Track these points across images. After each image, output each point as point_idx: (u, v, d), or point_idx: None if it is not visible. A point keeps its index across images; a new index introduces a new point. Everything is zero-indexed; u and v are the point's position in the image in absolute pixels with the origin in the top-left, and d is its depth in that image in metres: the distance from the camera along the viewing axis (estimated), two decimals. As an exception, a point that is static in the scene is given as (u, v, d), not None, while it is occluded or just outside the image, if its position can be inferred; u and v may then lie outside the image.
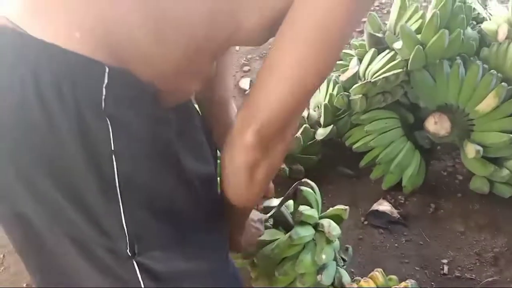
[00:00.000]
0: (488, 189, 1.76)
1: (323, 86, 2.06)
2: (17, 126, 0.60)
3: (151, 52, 0.62)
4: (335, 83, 1.99)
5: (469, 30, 1.87)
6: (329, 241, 1.19)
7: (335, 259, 1.25)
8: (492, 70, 1.66)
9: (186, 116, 0.78)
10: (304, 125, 1.88)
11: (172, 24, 0.63)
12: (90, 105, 0.58)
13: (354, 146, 1.86)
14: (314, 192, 1.29)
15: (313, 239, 1.20)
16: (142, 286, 0.69)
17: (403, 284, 1.17)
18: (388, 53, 1.90)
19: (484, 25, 1.92)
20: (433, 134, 1.77)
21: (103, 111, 0.58)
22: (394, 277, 1.23)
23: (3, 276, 1.62)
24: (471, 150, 1.70)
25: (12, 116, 0.60)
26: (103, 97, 0.58)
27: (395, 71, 1.79)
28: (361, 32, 2.70)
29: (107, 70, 0.58)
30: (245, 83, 2.39)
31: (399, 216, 1.70)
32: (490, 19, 1.92)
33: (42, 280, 0.85)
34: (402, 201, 1.80)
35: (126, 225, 0.64)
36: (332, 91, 1.95)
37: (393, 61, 1.84)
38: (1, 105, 0.60)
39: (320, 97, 2.05)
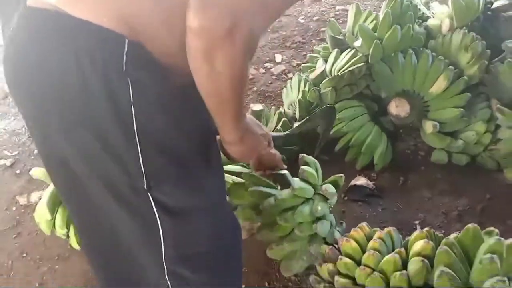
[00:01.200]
0: (447, 159, 2.01)
1: (295, 86, 2.29)
2: (59, 85, 0.77)
3: (161, 30, 0.77)
4: (306, 81, 2.22)
5: (416, 26, 2.15)
6: (325, 199, 1.38)
7: (330, 224, 1.44)
8: (440, 57, 1.93)
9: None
10: (283, 119, 2.08)
11: (178, 6, 0.74)
12: (114, 68, 0.74)
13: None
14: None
15: (312, 198, 1.39)
16: (156, 215, 0.85)
17: (386, 229, 1.36)
18: (349, 51, 2.16)
19: (429, 22, 2.21)
20: (395, 116, 2.02)
21: (124, 72, 0.74)
22: (377, 229, 1.42)
23: (15, 279, 1.69)
24: (429, 126, 1.95)
25: (55, 78, 0.76)
26: (124, 61, 0.74)
27: (358, 65, 2.04)
28: (322, 40, 3.00)
29: (126, 41, 0.74)
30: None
31: (374, 186, 1.91)
32: (433, 17, 2.22)
33: (79, 221, 1.02)
34: (375, 177, 2.02)
35: (143, 165, 0.80)
36: (304, 88, 2.18)
37: (355, 57, 2.09)
38: (48, 69, 0.76)
39: (293, 96, 2.26)
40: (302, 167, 1.39)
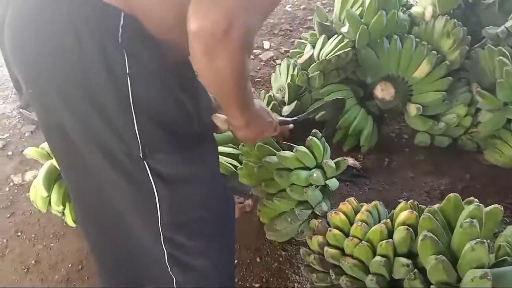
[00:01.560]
0: (429, 141, 2.09)
1: (284, 71, 2.34)
2: (57, 52, 0.79)
3: (157, 7, 0.80)
4: (294, 66, 2.28)
5: (401, 13, 2.22)
6: (324, 173, 1.45)
7: (323, 196, 1.51)
8: (423, 42, 2.00)
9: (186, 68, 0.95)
10: (273, 102, 2.14)
11: None
12: (110, 39, 0.77)
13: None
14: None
15: (311, 168, 1.45)
16: (152, 182, 0.89)
17: (373, 203, 1.43)
18: (337, 37, 2.21)
19: (413, 9, 2.28)
20: (381, 100, 2.09)
21: (120, 43, 0.77)
22: (363, 203, 1.49)
23: (10, 257, 1.72)
24: (412, 109, 2.02)
25: (54, 45, 0.79)
26: (120, 33, 0.77)
27: (345, 50, 2.10)
28: (309, 28, 3.05)
29: (122, 14, 0.77)
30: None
31: (361, 167, 1.98)
32: (416, 4, 2.29)
33: (76, 189, 1.06)
34: (361, 159, 2.09)
35: (138, 134, 0.84)
36: (293, 72, 2.23)
37: (342, 42, 2.15)
38: (47, 36, 0.79)
39: (282, 81, 2.32)
40: (310, 137, 1.46)
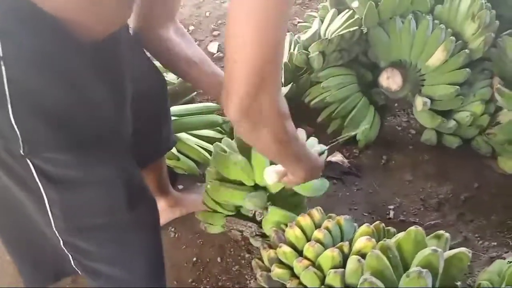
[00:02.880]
0: (436, 140, 1.83)
1: (286, 48, 2.12)
2: None
3: None
4: (296, 42, 2.04)
5: (424, -12, 1.92)
6: None
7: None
8: (441, 25, 1.71)
9: (112, 45, 0.83)
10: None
11: None
12: None
13: (312, 102, 1.93)
14: None
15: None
16: (39, 183, 0.78)
17: (337, 218, 1.24)
18: (347, 12, 1.95)
19: (441, -17, 1.97)
20: (386, 89, 1.84)
21: None
22: (333, 214, 1.30)
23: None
24: (419, 102, 1.77)
25: None
26: None
27: (351, 29, 1.84)
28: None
29: None
30: (213, 47, 2.43)
31: (349, 165, 1.77)
32: (445, -22, 1.97)
33: None
34: (357, 154, 1.87)
35: (16, 127, 0.71)
36: (293, 50, 2.00)
37: (351, 19, 1.89)
38: None
39: (284, 59, 2.10)
40: None
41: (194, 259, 1.53)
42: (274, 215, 1.33)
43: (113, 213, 0.89)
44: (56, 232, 0.88)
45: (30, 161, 0.76)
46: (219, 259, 1.53)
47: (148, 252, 1.02)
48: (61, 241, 0.91)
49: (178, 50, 1.16)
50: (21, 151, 0.74)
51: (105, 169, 0.84)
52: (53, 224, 0.86)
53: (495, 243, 1.52)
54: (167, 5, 1.14)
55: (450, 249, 1.00)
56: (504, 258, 1.39)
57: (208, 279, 1.48)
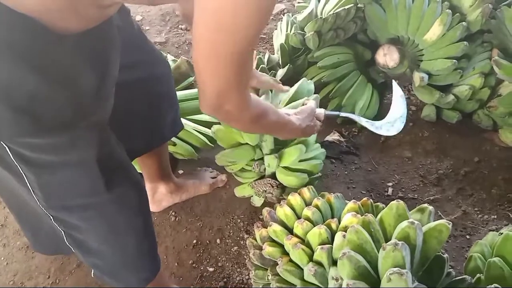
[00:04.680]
0: (435, 116, 1.81)
1: (284, 28, 2.10)
2: None
3: None
4: (293, 23, 2.03)
5: (422, -40, 1.88)
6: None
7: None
8: (438, -3, 1.68)
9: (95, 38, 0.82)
10: (261, 66, 1.94)
11: None
12: None
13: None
14: None
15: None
16: (17, 166, 0.81)
17: (327, 196, 1.25)
18: (343, -11, 1.93)
19: (439, -45, 1.92)
20: (383, 66, 1.82)
21: None
22: (325, 193, 1.31)
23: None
24: (417, 78, 1.74)
25: None
26: None
27: (346, 7, 1.82)
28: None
29: None
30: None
31: (346, 144, 1.77)
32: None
33: None
34: (356, 133, 1.86)
35: None
36: (289, 31, 1.99)
37: (347, -4, 1.87)
38: None
39: (281, 40, 2.09)
40: None
41: (194, 241, 1.56)
42: (273, 161, 1.41)
43: (92, 194, 0.92)
44: (43, 209, 0.92)
45: (6, 145, 0.79)
46: (218, 241, 1.56)
47: (135, 230, 1.04)
48: (51, 217, 0.95)
49: None
50: None
51: (78, 152, 0.86)
52: (38, 202, 0.90)
53: (495, 217, 1.51)
54: None
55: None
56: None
57: (208, 260, 1.51)
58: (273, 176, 1.47)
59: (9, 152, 0.80)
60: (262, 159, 1.46)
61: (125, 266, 1.08)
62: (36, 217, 1.05)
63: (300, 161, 1.42)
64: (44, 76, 0.74)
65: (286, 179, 1.42)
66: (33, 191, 0.88)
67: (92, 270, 1.14)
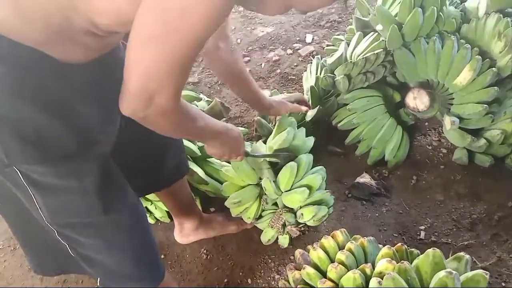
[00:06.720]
0: (467, 159, 1.81)
1: (314, 71, 2.16)
2: None
3: (18, 26, 0.75)
4: (322, 66, 2.09)
5: (451, 8, 1.93)
6: None
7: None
8: (466, 44, 1.71)
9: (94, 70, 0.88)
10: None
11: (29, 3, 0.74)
12: None
13: (339, 125, 1.95)
14: None
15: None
16: (27, 187, 0.89)
17: (360, 240, 1.26)
18: (372, 35, 1.99)
19: (467, 3, 1.97)
20: (413, 109, 1.84)
21: None
22: (358, 236, 1.32)
23: (20, 251, 1.78)
24: (447, 121, 1.76)
25: None
26: None
27: (376, 51, 1.87)
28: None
29: None
30: (245, 73, 2.52)
31: (377, 186, 1.77)
32: (473, -3, 1.97)
33: None
34: (386, 175, 1.87)
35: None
36: (319, 74, 2.05)
37: (376, 42, 1.93)
38: None
39: (311, 82, 2.15)
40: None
41: (226, 280, 1.57)
42: (269, 185, 1.50)
43: (90, 215, 0.98)
44: (49, 225, 0.99)
45: (17, 170, 0.87)
46: (249, 281, 1.57)
47: (132, 249, 1.09)
48: (56, 232, 1.01)
49: (230, 69, 1.34)
50: (6, 161, 0.84)
51: (79, 180, 0.92)
52: (44, 220, 0.97)
53: (531, 264, 1.48)
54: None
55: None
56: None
57: (238, 300, 1.52)
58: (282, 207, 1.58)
59: (20, 175, 0.88)
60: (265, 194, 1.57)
61: (127, 277, 1.12)
62: (41, 235, 1.10)
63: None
64: (51, 113, 0.82)
65: (290, 200, 1.51)
66: (40, 208, 0.95)
67: (98, 279, 1.18)
